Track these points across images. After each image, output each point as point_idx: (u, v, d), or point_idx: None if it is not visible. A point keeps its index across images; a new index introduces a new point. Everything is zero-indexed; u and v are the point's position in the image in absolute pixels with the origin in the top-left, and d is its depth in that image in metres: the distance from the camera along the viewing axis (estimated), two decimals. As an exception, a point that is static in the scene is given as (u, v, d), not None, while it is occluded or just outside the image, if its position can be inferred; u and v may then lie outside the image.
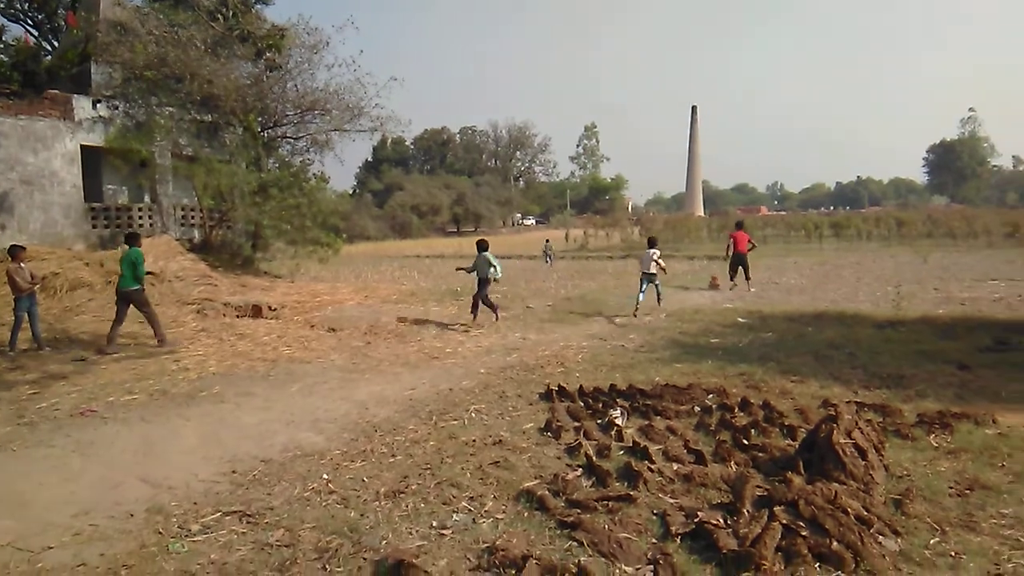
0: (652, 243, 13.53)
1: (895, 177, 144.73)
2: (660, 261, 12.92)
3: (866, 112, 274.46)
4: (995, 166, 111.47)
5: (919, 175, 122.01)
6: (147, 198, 19.56)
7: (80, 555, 3.80)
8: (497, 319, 11.97)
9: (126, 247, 10.30)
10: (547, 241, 31.33)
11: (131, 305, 9.88)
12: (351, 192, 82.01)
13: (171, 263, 14.78)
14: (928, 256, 25.00)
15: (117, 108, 17.03)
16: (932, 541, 3.64)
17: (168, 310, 12.57)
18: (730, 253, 16.28)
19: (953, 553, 3.52)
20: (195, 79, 16.53)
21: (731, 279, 16.49)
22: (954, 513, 3.96)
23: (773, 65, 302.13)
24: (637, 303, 12.59)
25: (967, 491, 4.25)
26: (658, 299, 13.12)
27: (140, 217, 18.55)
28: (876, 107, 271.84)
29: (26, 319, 9.76)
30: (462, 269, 12.83)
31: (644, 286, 12.84)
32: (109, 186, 19.44)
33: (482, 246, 12.17)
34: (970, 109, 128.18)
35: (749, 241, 16.51)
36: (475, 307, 12.04)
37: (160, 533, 4.06)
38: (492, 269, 11.74)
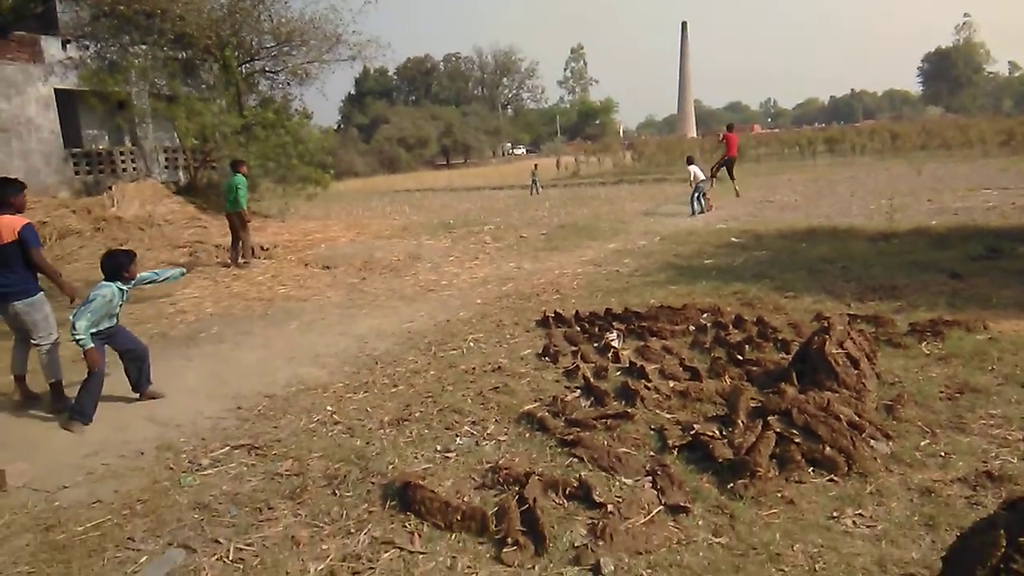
0: (691, 160, 16.28)
1: (890, 88, 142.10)
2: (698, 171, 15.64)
3: (858, 21, 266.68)
4: (991, 73, 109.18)
5: (914, 86, 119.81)
6: (127, 141, 19.13)
7: (95, 493, 3.89)
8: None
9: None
10: (535, 167, 30.77)
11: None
12: (336, 127, 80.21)
13: (159, 207, 14.65)
14: (922, 168, 24.80)
15: (88, 48, 16.44)
16: (923, 443, 3.75)
17: (160, 254, 12.50)
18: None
19: (943, 453, 3.63)
20: (167, 14, 15.92)
21: (713, 175, 16.97)
22: (944, 416, 4.07)
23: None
24: (703, 207, 15.27)
25: (957, 394, 4.35)
26: (694, 207, 15.34)
27: (123, 161, 18.21)
28: (869, 15, 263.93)
29: None
30: None
31: (697, 193, 15.46)
32: (88, 131, 19.00)
33: None
34: (965, 15, 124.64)
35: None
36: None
37: (171, 468, 4.16)
38: None
